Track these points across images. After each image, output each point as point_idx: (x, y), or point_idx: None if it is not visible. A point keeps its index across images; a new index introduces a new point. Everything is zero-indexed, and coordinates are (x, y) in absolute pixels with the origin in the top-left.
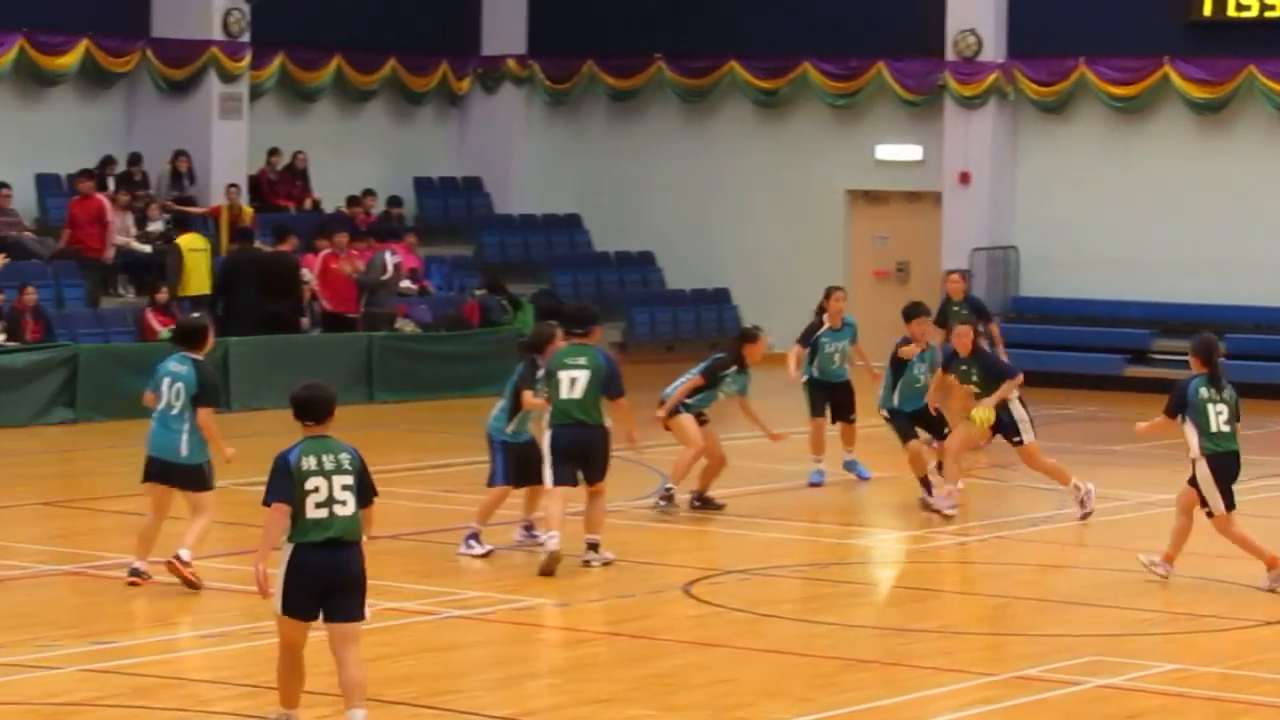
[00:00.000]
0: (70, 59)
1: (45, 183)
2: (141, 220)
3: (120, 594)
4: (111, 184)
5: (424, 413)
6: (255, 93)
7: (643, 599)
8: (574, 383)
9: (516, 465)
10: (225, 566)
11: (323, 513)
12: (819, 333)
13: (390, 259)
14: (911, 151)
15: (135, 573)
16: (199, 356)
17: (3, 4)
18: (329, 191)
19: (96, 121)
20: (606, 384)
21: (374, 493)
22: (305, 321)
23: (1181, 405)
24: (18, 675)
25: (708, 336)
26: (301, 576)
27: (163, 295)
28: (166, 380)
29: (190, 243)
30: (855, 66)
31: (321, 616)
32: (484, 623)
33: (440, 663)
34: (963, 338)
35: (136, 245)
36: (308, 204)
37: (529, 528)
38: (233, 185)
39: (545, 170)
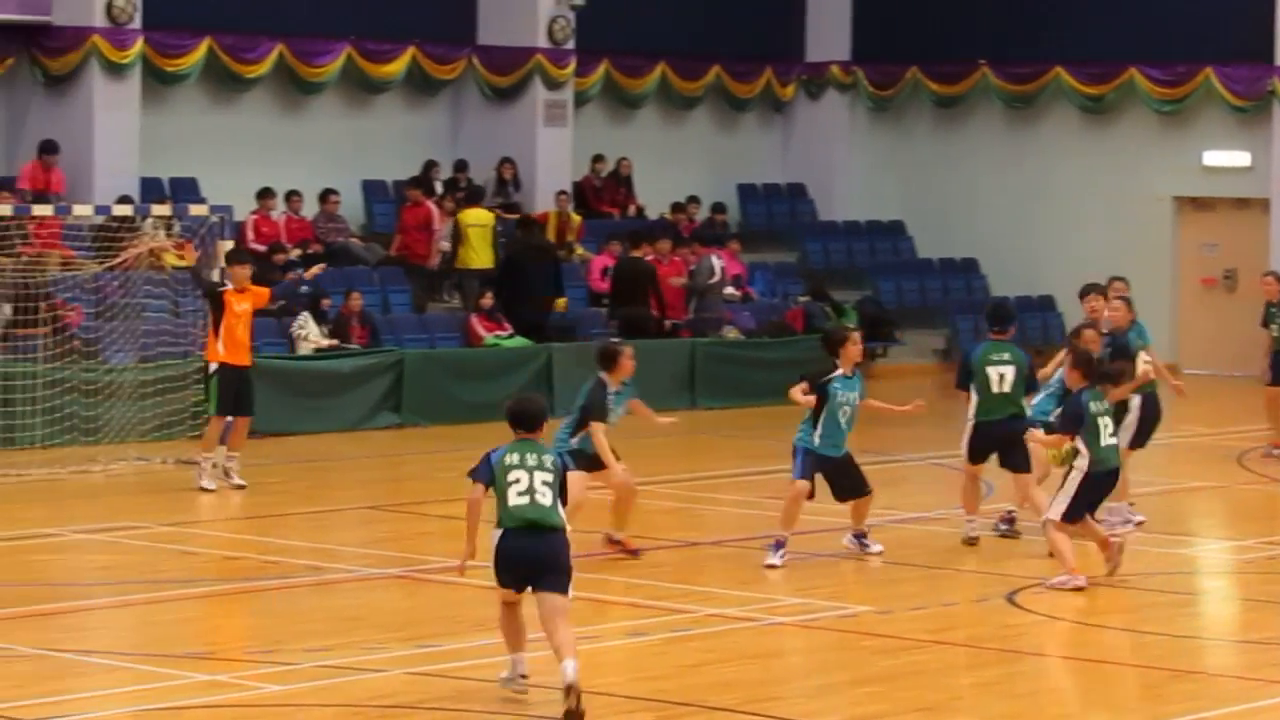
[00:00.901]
0: (397, 66)
1: (372, 189)
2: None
3: (446, 597)
4: (438, 190)
5: (746, 419)
6: (580, 99)
7: (966, 607)
8: (1002, 378)
9: (827, 475)
10: None
11: (524, 500)
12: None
13: (716, 264)
14: (1239, 158)
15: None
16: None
17: (330, 12)
18: (653, 198)
19: (422, 128)
20: (1030, 380)
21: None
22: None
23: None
24: (344, 677)
25: (1033, 343)
26: (506, 556)
27: (488, 301)
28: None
29: (473, 218)
30: (1183, 72)
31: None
32: (806, 629)
33: (763, 669)
34: None
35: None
36: (631, 210)
37: (859, 536)
38: (562, 192)
39: (869, 177)
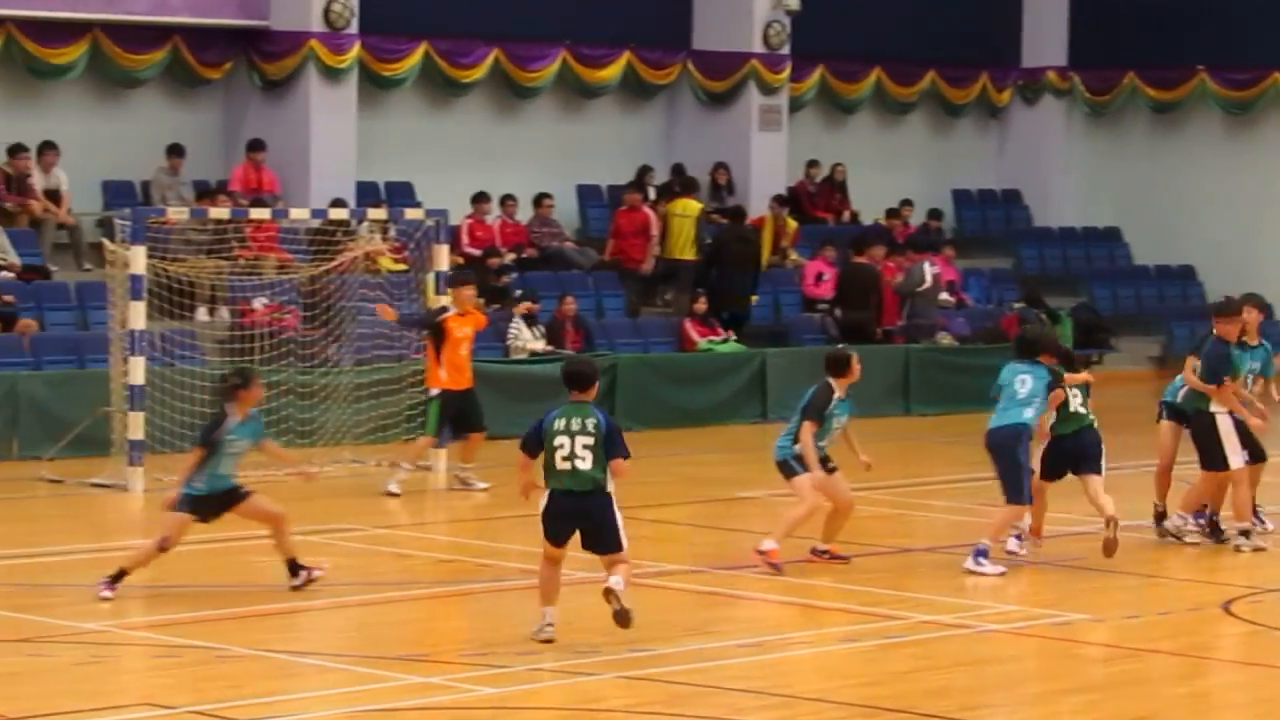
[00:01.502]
0: (612, 71)
1: (586, 194)
2: None
3: (658, 602)
4: (651, 194)
5: (960, 426)
6: (794, 104)
7: (1181, 616)
8: None
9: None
10: (769, 577)
11: (566, 466)
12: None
13: (929, 270)
14: None
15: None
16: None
17: (545, 17)
18: (867, 203)
19: (636, 133)
20: None
21: (624, 453)
22: (878, 332)
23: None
24: (557, 681)
25: None
26: (551, 515)
27: (701, 306)
28: None
29: (680, 208)
30: None
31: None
32: (1019, 637)
33: (975, 676)
34: None
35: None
36: (846, 216)
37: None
38: (777, 198)
39: (1084, 183)
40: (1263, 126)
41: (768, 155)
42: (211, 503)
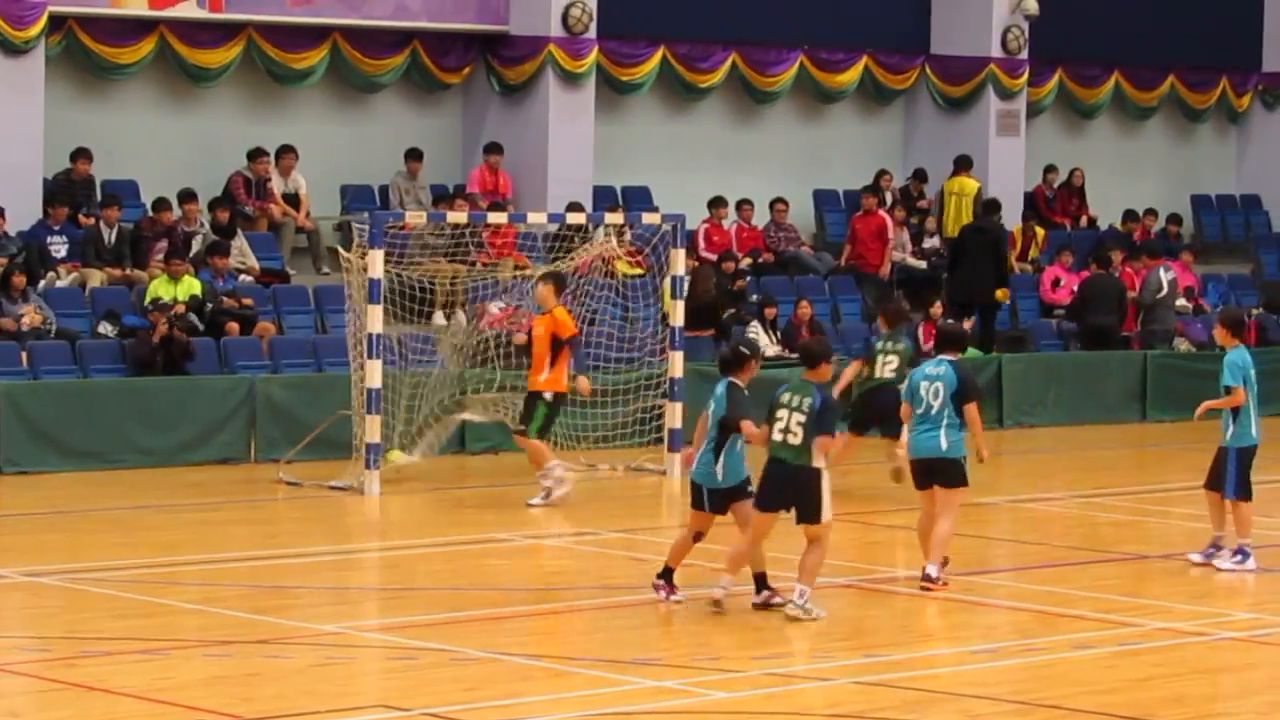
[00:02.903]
0: (850, 75)
1: (822, 199)
2: (918, 236)
3: (894, 607)
4: (888, 199)
5: (1198, 432)
6: (1033, 110)
7: None
8: None
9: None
10: (1004, 583)
11: (779, 437)
12: None
13: (1165, 276)
14: None
15: (926, 578)
16: (956, 358)
17: (783, 21)
18: (1105, 209)
19: (874, 138)
20: None
21: (830, 431)
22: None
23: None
24: (792, 685)
25: None
26: (764, 481)
27: (938, 310)
28: (924, 384)
29: (957, 186)
30: None
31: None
32: (1258, 645)
33: (1213, 684)
34: None
35: (913, 261)
36: (1084, 221)
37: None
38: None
39: None
40: None
41: (1006, 160)
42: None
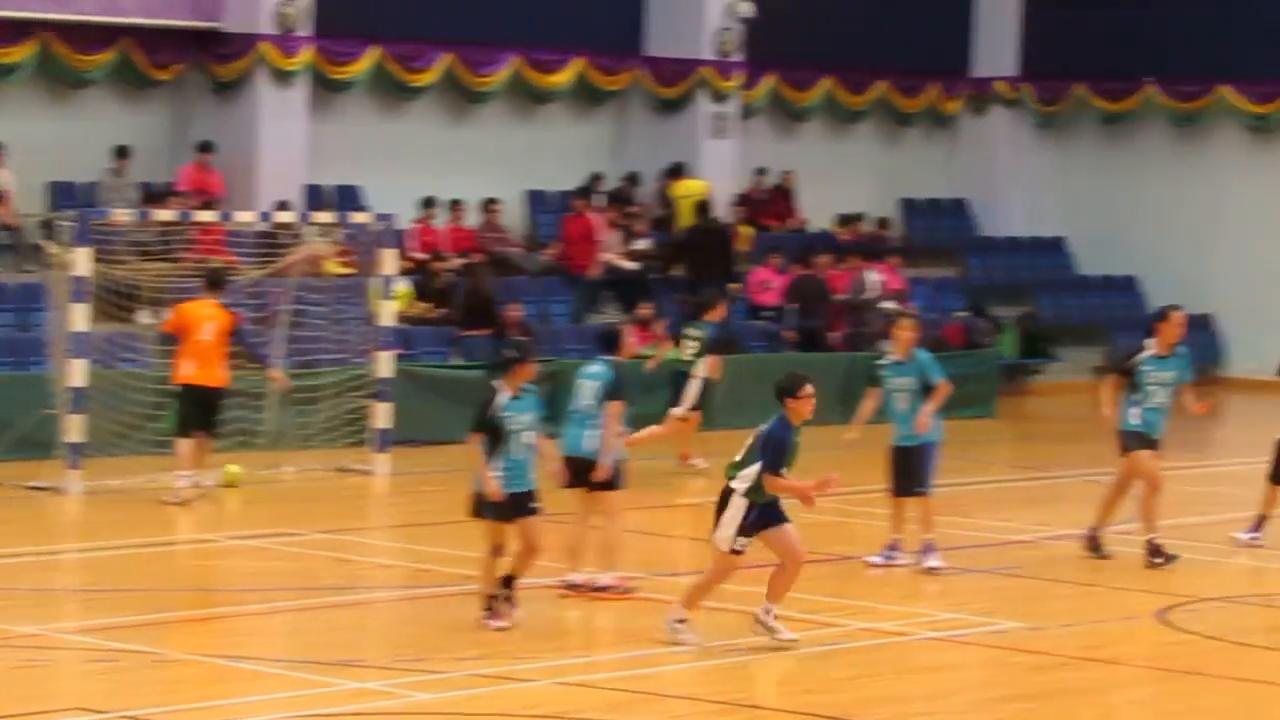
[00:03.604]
0: (563, 77)
1: (535, 199)
2: (629, 238)
3: (599, 608)
4: (601, 201)
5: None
6: (746, 112)
7: (1116, 625)
8: None
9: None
10: None
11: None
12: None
13: (873, 278)
14: None
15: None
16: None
17: (497, 23)
18: (816, 212)
19: (587, 138)
20: None
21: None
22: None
23: None
24: (494, 687)
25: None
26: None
27: (645, 311)
28: (584, 383)
29: (683, 189)
30: None
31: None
32: (957, 645)
33: (912, 685)
34: None
35: (623, 263)
36: (794, 224)
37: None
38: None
39: (1031, 193)
40: (1209, 138)
41: (718, 162)
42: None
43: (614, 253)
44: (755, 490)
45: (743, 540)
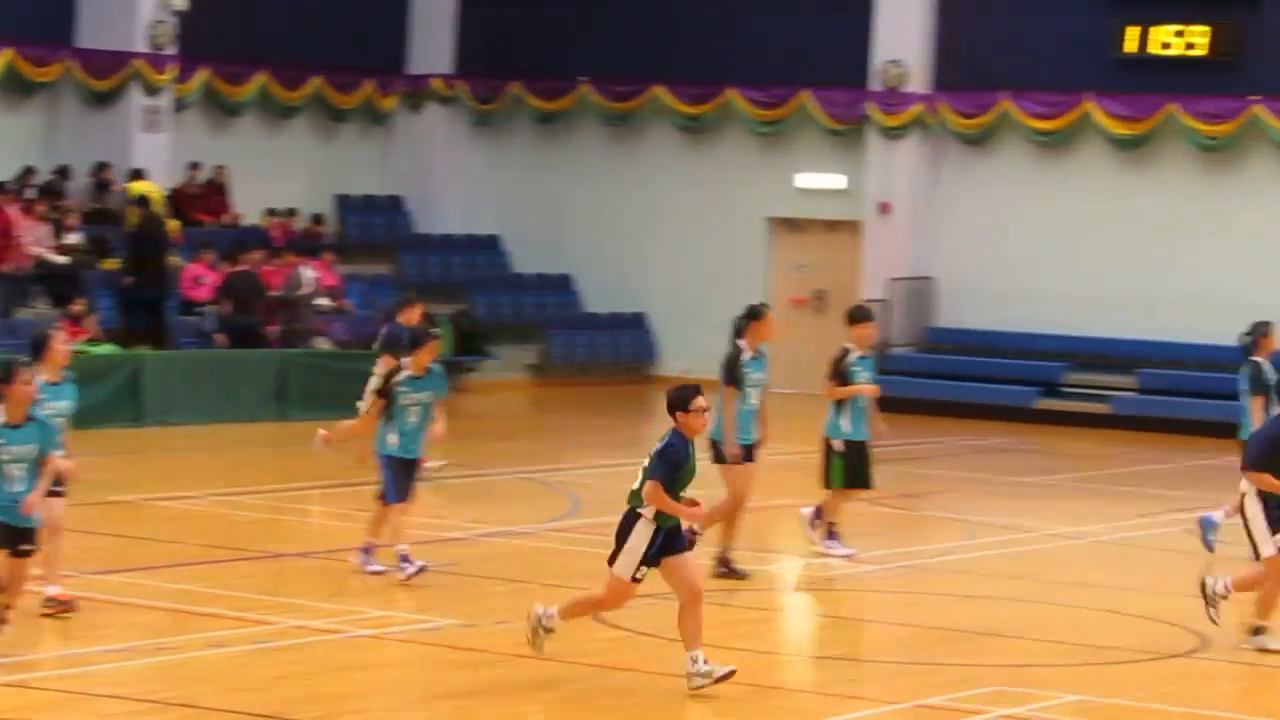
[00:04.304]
0: None
1: None
2: (59, 232)
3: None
4: (32, 195)
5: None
6: (179, 106)
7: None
8: None
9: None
10: (138, 582)
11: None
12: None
13: (308, 274)
14: (835, 180)
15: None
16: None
17: None
18: (250, 207)
19: (18, 130)
20: None
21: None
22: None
23: None
24: None
25: (624, 361)
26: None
27: (78, 307)
28: None
29: (143, 188)
30: (780, 94)
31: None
32: (393, 642)
33: (346, 682)
34: None
35: (53, 257)
36: (227, 218)
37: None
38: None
39: (468, 191)
40: (641, 139)
41: (151, 156)
42: None
43: (44, 246)
44: (663, 515)
45: (643, 569)
